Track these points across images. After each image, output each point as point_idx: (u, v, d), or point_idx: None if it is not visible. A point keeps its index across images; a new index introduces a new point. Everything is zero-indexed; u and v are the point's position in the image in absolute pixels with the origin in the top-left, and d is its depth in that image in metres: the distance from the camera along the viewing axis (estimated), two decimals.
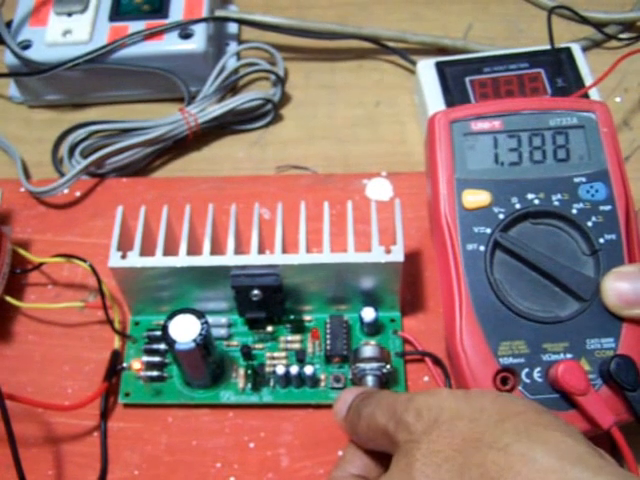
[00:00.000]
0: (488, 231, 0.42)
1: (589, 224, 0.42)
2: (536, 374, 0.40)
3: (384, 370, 0.42)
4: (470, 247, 0.42)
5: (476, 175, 0.43)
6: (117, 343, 0.47)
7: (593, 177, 0.43)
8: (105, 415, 0.45)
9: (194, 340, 0.41)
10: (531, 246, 0.41)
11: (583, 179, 0.43)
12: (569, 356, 0.40)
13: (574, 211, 0.42)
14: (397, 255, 0.42)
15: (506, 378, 0.40)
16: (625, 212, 0.42)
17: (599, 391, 0.39)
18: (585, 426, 0.39)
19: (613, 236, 0.41)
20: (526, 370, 0.40)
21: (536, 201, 0.42)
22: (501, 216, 0.42)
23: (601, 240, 0.41)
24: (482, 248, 0.42)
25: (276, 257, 0.43)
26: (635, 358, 0.39)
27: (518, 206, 0.42)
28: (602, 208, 0.42)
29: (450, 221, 0.42)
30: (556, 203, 0.42)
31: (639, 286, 0.39)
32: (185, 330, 0.41)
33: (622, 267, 0.40)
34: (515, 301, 0.41)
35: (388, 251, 0.43)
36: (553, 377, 0.39)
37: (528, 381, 0.40)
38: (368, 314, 0.45)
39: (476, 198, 0.42)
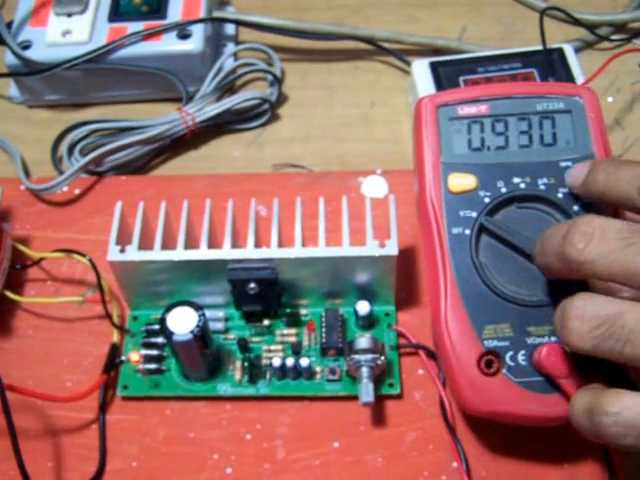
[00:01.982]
0: (474, 215, 0.42)
1: (575, 208, 0.42)
2: (520, 357, 0.40)
3: (379, 362, 0.43)
4: (456, 231, 0.42)
5: (462, 159, 0.43)
6: (116, 337, 0.47)
7: (579, 162, 0.42)
8: (104, 407, 0.46)
9: (191, 331, 0.41)
10: (516, 230, 0.41)
11: (569, 163, 0.43)
12: (553, 339, 0.40)
13: (560, 195, 0.42)
14: (391, 249, 0.43)
15: (491, 361, 0.40)
16: None
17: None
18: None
19: None
20: (510, 353, 0.40)
21: (522, 185, 0.42)
22: (487, 200, 0.42)
23: None
24: (467, 232, 0.42)
25: (272, 251, 0.44)
26: None
27: (504, 190, 0.42)
28: None
29: (436, 205, 0.42)
30: (542, 187, 0.42)
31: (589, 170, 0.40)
32: (183, 322, 0.42)
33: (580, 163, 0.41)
34: (500, 285, 0.41)
35: (382, 245, 0.43)
36: (537, 360, 0.39)
37: (512, 364, 0.39)
38: (363, 307, 0.45)
39: (462, 182, 0.43)
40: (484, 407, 0.40)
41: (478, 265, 0.41)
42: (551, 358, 0.38)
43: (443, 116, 0.44)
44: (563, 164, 0.43)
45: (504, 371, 0.40)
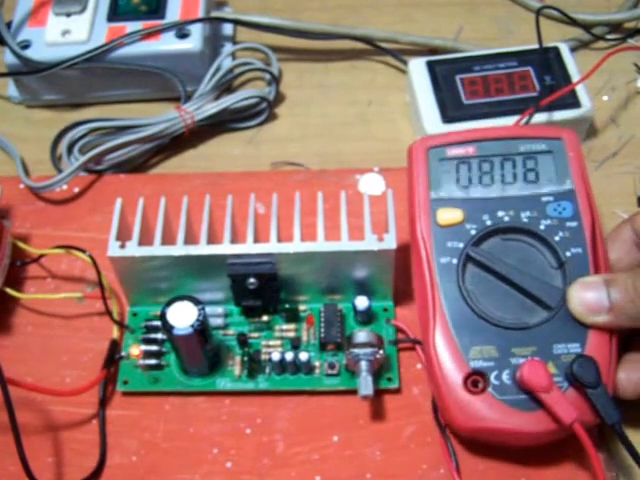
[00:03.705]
0: (461, 246, 0.44)
1: (556, 239, 0.44)
2: (505, 376, 0.41)
3: (377, 355, 0.43)
4: (443, 260, 0.44)
5: (450, 195, 0.46)
6: (115, 333, 0.48)
7: (560, 196, 0.45)
8: (104, 403, 0.46)
9: (192, 325, 0.42)
10: (500, 258, 0.44)
11: (551, 198, 0.45)
12: (536, 358, 0.41)
13: (542, 227, 0.44)
14: (390, 242, 0.43)
15: (476, 381, 0.41)
16: (591, 227, 0.44)
17: (565, 393, 0.40)
18: (552, 426, 0.40)
19: (579, 250, 0.44)
20: (495, 372, 0.41)
21: (506, 218, 0.45)
22: (473, 232, 0.45)
23: (567, 254, 0.44)
24: (455, 261, 0.44)
25: (272, 246, 0.44)
26: (600, 361, 0.40)
27: (489, 223, 0.45)
28: (569, 224, 0.44)
29: (425, 237, 0.45)
30: (525, 220, 0.45)
31: (602, 295, 0.41)
32: (183, 316, 0.42)
33: (587, 277, 0.43)
34: (486, 309, 0.43)
35: (381, 239, 0.44)
36: (519, 376, 0.40)
37: (497, 383, 0.41)
38: (361, 302, 0.46)
39: (449, 216, 0.45)
40: (471, 424, 0.41)
41: (464, 291, 0.43)
42: (531, 373, 0.40)
43: (433, 157, 0.47)
44: (545, 199, 0.45)
45: (489, 390, 0.41)
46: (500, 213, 0.45)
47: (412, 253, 0.47)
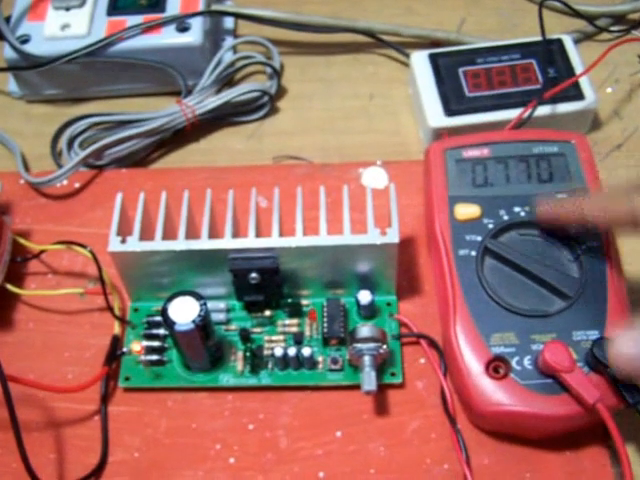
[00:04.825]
0: (479, 239, 0.46)
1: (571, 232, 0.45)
2: (526, 361, 0.42)
3: (381, 350, 0.43)
4: (462, 252, 0.45)
5: (467, 192, 0.47)
6: (117, 329, 0.47)
7: (574, 194, 0.46)
8: (105, 399, 0.46)
9: (193, 321, 0.41)
10: (518, 250, 0.45)
11: (565, 195, 0.46)
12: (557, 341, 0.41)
13: None
14: (392, 236, 0.43)
15: (498, 367, 0.42)
16: None
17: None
18: (575, 409, 0.40)
19: (594, 243, 0.45)
20: (516, 358, 0.42)
21: (522, 213, 0.46)
22: (490, 226, 0.46)
23: (583, 246, 0.45)
24: (473, 253, 0.45)
25: (274, 240, 0.44)
26: None
27: (506, 217, 0.46)
28: None
29: (444, 230, 0.46)
30: None
31: None
32: (184, 312, 0.42)
33: (623, 334, 0.39)
34: (503, 298, 0.44)
35: (383, 233, 0.43)
36: (541, 359, 0.41)
37: (519, 368, 0.42)
38: (364, 296, 0.45)
39: (467, 211, 0.47)
40: (494, 409, 0.41)
41: (484, 280, 0.44)
42: (553, 353, 0.40)
43: (450, 158, 0.49)
44: (559, 196, 0.46)
45: (512, 375, 0.42)
46: (516, 209, 0.46)
47: (430, 247, 0.48)
